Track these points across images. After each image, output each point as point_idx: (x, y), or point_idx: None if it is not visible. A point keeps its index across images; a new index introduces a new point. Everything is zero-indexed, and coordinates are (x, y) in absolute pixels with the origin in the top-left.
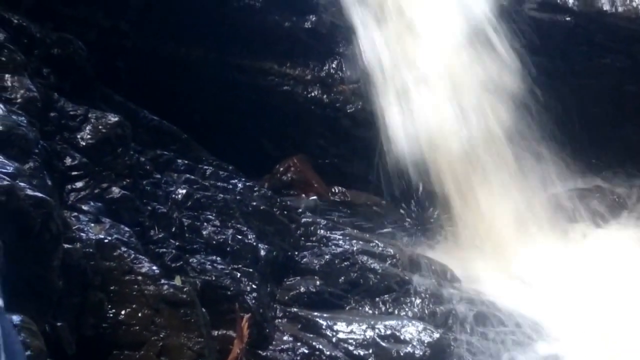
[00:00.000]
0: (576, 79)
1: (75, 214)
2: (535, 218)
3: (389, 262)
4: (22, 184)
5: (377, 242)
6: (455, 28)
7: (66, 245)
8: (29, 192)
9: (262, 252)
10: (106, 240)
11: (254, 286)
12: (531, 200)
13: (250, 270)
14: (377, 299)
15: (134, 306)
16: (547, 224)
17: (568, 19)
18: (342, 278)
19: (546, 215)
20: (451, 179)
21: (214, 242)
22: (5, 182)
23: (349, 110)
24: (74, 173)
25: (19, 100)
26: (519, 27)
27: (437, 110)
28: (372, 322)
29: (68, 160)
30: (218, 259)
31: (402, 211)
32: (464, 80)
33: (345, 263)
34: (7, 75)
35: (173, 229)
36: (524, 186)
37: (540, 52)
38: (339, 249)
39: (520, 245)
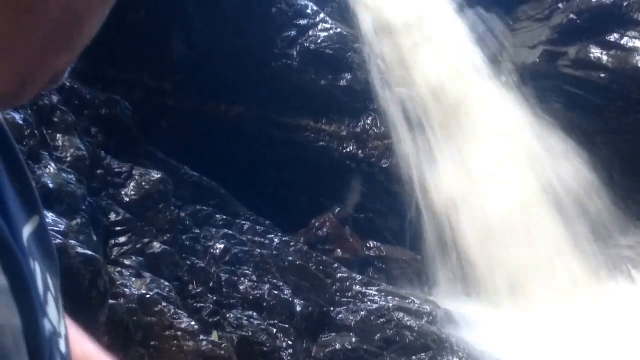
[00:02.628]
0: (613, 135)
1: (119, 268)
2: (578, 274)
3: (426, 319)
4: (72, 241)
5: (413, 298)
6: (487, 85)
7: (111, 301)
8: (79, 250)
9: (298, 308)
10: (148, 296)
11: (289, 342)
12: (574, 256)
13: (286, 326)
14: (414, 357)
15: None
16: (588, 279)
17: (603, 75)
18: (378, 335)
19: (588, 272)
20: (489, 235)
21: (251, 297)
22: (58, 241)
23: (383, 166)
24: (118, 228)
25: (69, 159)
26: (553, 84)
27: (470, 166)
28: None
29: (112, 216)
30: (255, 314)
31: (438, 267)
32: (496, 137)
33: (381, 320)
34: (58, 135)
35: (211, 284)
36: (568, 242)
37: (575, 109)
38: (375, 305)
39: (562, 302)
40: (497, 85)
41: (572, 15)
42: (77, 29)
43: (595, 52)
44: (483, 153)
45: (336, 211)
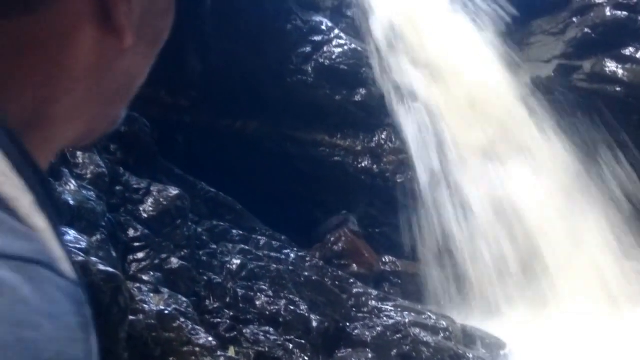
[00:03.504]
0: (627, 149)
1: (137, 284)
2: (604, 291)
3: (442, 335)
4: (93, 258)
5: (429, 314)
6: (501, 100)
7: (131, 317)
8: (101, 267)
9: (314, 324)
10: (166, 312)
11: (306, 358)
12: (600, 274)
13: (303, 341)
14: None
15: None
16: (615, 296)
17: (618, 89)
18: (395, 351)
19: (614, 288)
20: (506, 252)
21: (267, 312)
22: (80, 258)
23: (398, 180)
24: (136, 244)
25: (89, 176)
26: (568, 98)
27: (485, 182)
28: None
29: (131, 232)
30: (271, 329)
31: (454, 282)
32: (510, 152)
33: (398, 335)
34: (78, 153)
35: (227, 299)
36: (592, 260)
37: (591, 123)
38: (391, 321)
39: (585, 319)
40: (515, 98)
41: (586, 29)
42: (131, 86)
43: (611, 66)
44: (503, 165)
45: (351, 226)
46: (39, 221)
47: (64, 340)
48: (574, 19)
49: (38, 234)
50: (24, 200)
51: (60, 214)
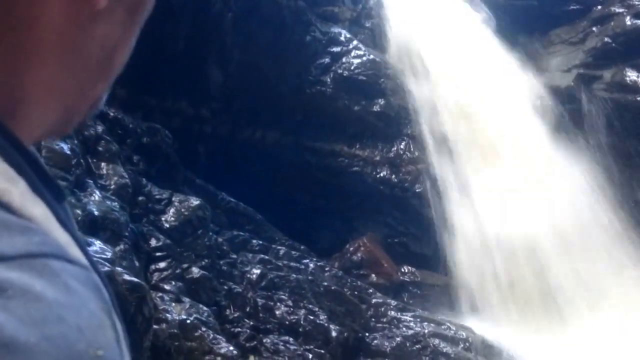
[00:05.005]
0: None
1: (159, 293)
2: (622, 301)
3: (462, 345)
4: (119, 268)
5: (448, 324)
6: (520, 109)
7: (155, 326)
8: (126, 277)
9: (334, 333)
10: (188, 321)
11: None
12: (616, 282)
13: (322, 351)
14: None
15: None
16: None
17: (639, 98)
18: None
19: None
20: (524, 261)
21: (287, 322)
22: (106, 268)
23: (417, 190)
24: (158, 254)
25: (112, 187)
26: (588, 108)
27: (504, 191)
28: None
29: (153, 242)
30: (290, 339)
31: (473, 292)
32: (529, 159)
33: (417, 346)
34: (103, 164)
35: (248, 309)
36: (608, 267)
37: (611, 132)
38: (410, 331)
39: (614, 327)
40: (532, 109)
41: (606, 39)
42: (110, 62)
43: (631, 75)
44: (518, 174)
45: (370, 235)
46: (36, 209)
47: (92, 329)
48: (594, 28)
49: (38, 224)
50: (15, 190)
51: (60, 193)
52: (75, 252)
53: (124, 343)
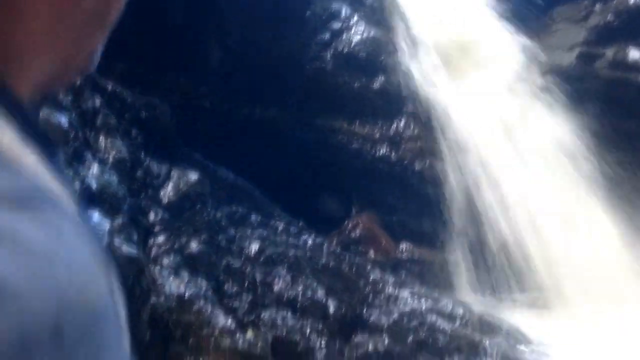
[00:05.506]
0: None
1: (158, 268)
2: (619, 277)
3: (459, 322)
4: (117, 240)
5: (446, 301)
6: (521, 88)
7: (152, 299)
8: (124, 249)
9: (331, 309)
10: (187, 295)
11: (323, 342)
12: (617, 260)
13: (320, 326)
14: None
15: (211, 359)
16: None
17: None
18: (411, 338)
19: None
20: (526, 238)
21: (285, 297)
22: (105, 240)
23: (416, 168)
24: (156, 228)
25: (110, 160)
26: (590, 86)
27: (506, 171)
28: None
29: (151, 216)
30: (289, 314)
31: (472, 269)
32: (530, 141)
33: (414, 322)
34: (101, 137)
35: (246, 284)
36: (619, 242)
37: (613, 111)
38: (408, 308)
39: (606, 306)
40: (533, 87)
41: (609, 17)
42: (107, 11)
43: (634, 54)
44: (521, 151)
45: (369, 213)
46: (25, 155)
47: (84, 275)
48: (596, 6)
49: (30, 169)
50: (3, 136)
51: (53, 151)
52: (67, 202)
53: (119, 299)
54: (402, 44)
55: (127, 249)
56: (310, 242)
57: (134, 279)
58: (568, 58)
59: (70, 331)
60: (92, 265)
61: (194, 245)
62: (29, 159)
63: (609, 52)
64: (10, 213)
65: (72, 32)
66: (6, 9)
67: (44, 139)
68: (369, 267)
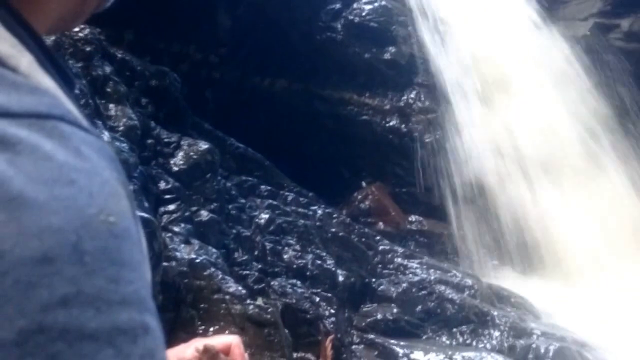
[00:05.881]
0: None
1: (169, 234)
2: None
3: (467, 292)
4: None
5: (455, 272)
6: (536, 61)
7: (164, 263)
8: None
9: (340, 278)
10: (197, 260)
11: (332, 311)
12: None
13: (329, 295)
14: (455, 329)
15: (221, 324)
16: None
17: None
18: (419, 307)
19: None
20: (531, 210)
21: (295, 266)
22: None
23: (426, 140)
24: (167, 196)
25: (121, 128)
26: (603, 58)
27: (516, 136)
28: (449, 353)
29: (162, 184)
30: (298, 282)
31: (480, 241)
32: (547, 113)
33: (423, 292)
34: (111, 105)
35: (256, 252)
36: (613, 211)
37: (628, 82)
38: (416, 278)
39: (613, 276)
40: (547, 59)
41: None
42: None
43: None
44: (532, 123)
45: (378, 185)
46: (45, 79)
47: (105, 195)
48: None
49: (49, 91)
50: (23, 59)
51: (70, 81)
52: (87, 124)
53: (141, 227)
54: (414, 14)
55: (138, 212)
56: (319, 212)
57: (146, 241)
58: (583, 29)
59: (91, 248)
60: (112, 185)
61: (204, 214)
62: (49, 83)
63: (625, 23)
64: (29, 129)
65: None
66: None
67: (63, 72)
68: (378, 237)
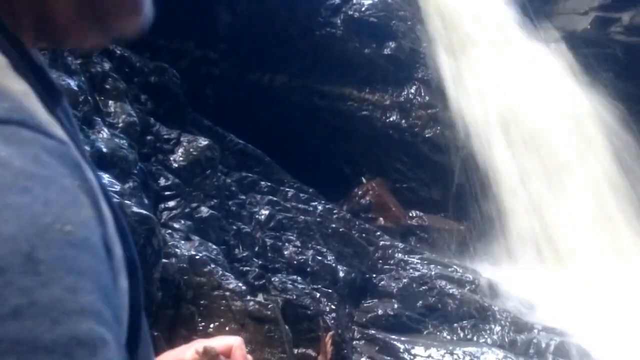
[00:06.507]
0: None
1: (169, 231)
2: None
3: (468, 287)
4: (127, 201)
5: (455, 267)
6: (537, 56)
7: (164, 260)
8: (135, 209)
9: (341, 274)
10: (197, 257)
11: (332, 307)
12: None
13: (330, 290)
14: (456, 324)
15: (222, 320)
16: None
17: None
18: (420, 302)
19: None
20: (531, 205)
21: (295, 262)
22: (115, 200)
23: (426, 135)
24: (167, 193)
25: (120, 125)
26: (605, 51)
27: (518, 137)
28: (450, 348)
29: (162, 181)
30: (299, 278)
31: (480, 236)
32: (546, 107)
33: (423, 287)
34: (110, 102)
35: (256, 248)
36: (616, 210)
37: (628, 77)
38: (417, 273)
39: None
40: (546, 53)
41: None
42: None
43: None
44: (530, 120)
45: (378, 180)
46: (14, 84)
47: (62, 203)
48: None
49: (13, 95)
50: None
51: (52, 87)
52: (55, 130)
53: (111, 226)
54: (414, 8)
55: (138, 209)
56: (320, 208)
57: (145, 238)
58: (583, 23)
59: (45, 257)
60: (72, 193)
61: (204, 210)
62: (18, 87)
63: (625, 17)
64: None
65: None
66: None
67: (48, 84)
68: (378, 233)
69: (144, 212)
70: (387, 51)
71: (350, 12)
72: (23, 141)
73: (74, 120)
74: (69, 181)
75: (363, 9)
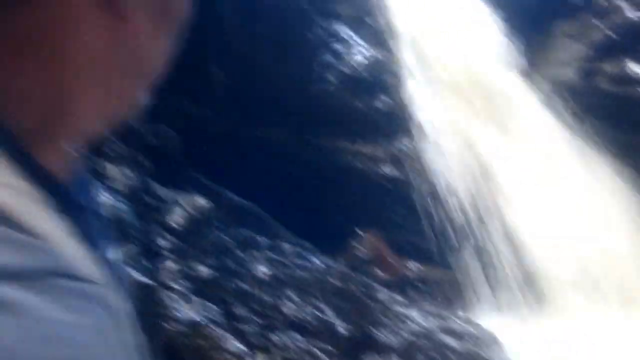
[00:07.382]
0: None
1: (169, 293)
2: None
3: (470, 341)
4: (127, 268)
5: (455, 319)
6: (522, 105)
7: (164, 325)
8: (135, 276)
9: (341, 329)
10: (198, 319)
11: None
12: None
13: (330, 347)
14: None
15: None
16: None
17: None
18: (422, 357)
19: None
20: (532, 251)
21: (294, 319)
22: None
23: (420, 186)
24: (165, 253)
25: (118, 187)
26: (591, 101)
27: (512, 188)
28: None
29: (160, 241)
30: (298, 336)
31: (481, 288)
32: (533, 156)
33: (424, 341)
34: (108, 165)
35: (255, 307)
36: (618, 256)
37: (616, 125)
38: (417, 327)
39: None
40: (534, 102)
41: (608, 31)
42: (144, 70)
43: (634, 68)
44: (521, 168)
45: (374, 232)
46: (43, 223)
47: (101, 348)
48: (596, 21)
49: (43, 240)
50: (20, 206)
51: (76, 205)
52: (84, 266)
53: (133, 351)
54: (404, 64)
55: (138, 276)
56: (317, 262)
57: (146, 305)
58: (568, 73)
59: None
60: (105, 337)
61: (202, 269)
62: (47, 226)
63: (609, 67)
64: (20, 288)
65: (132, 91)
66: (53, 74)
67: (67, 197)
68: (376, 286)
69: (144, 279)
70: (378, 105)
71: (342, 68)
72: (55, 290)
73: (91, 218)
74: (100, 322)
75: (355, 65)
